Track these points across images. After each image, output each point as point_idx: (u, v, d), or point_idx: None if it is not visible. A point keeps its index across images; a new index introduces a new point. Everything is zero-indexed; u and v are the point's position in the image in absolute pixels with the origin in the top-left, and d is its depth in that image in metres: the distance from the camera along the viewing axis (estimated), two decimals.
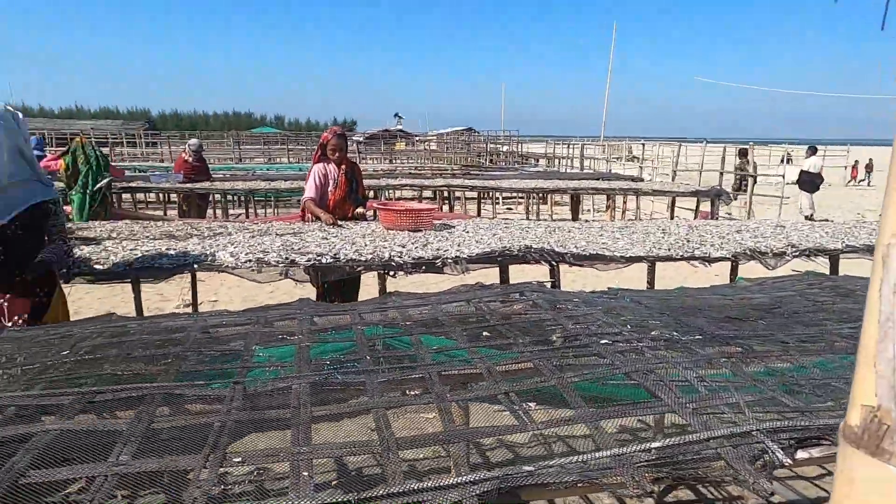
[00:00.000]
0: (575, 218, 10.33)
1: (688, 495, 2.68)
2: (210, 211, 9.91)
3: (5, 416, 1.30)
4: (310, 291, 4.51)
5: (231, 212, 11.27)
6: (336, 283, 3.97)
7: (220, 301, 6.17)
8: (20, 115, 2.57)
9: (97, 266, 2.93)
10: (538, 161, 24.66)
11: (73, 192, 6.11)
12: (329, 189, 4.33)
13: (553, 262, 3.46)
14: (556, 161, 22.90)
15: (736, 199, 9.97)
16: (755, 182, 12.36)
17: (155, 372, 1.57)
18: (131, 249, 3.24)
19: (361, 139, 32.05)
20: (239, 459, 1.15)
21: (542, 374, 1.54)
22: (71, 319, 2.72)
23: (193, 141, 9.31)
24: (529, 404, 1.37)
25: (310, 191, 4.29)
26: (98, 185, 5.98)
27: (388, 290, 4.34)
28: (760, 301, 2.42)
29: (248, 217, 10.14)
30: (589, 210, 14.58)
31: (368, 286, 4.54)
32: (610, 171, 18.64)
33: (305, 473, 1.10)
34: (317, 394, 1.46)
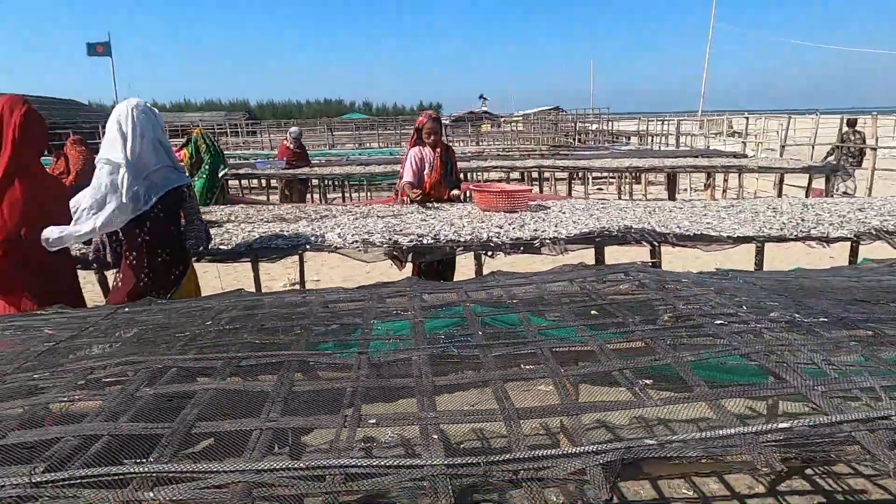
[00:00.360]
0: (671, 197, 9.90)
1: (803, 485, 2.57)
2: (308, 195, 10.41)
3: (170, 376, 1.48)
4: (405, 272, 4.66)
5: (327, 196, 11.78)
6: (431, 263, 4.08)
7: (321, 280, 6.51)
8: (156, 109, 2.85)
9: (222, 247, 3.20)
10: (629, 139, 23.77)
11: (196, 179, 6.65)
12: (425, 172, 4.43)
13: (655, 243, 3.37)
14: (650, 139, 21.95)
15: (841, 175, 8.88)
16: (863, 155, 11.27)
17: (287, 341, 1.72)
18: (249, 231, 3.51)
19: (447, 122, 32.26)
20: (374, 421, 1.25)
21: (656, 352, 1.54)
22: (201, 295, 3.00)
23: (294, 129, 9.79)
24: (646, 381, 1.38)
25: (407, 175, 4.42)
26: (223, 173, 6.48)
27: (483, 271, 4.41)
28: (892, 283, 2.25)
29: (343, 201, 10.56)
30: (686, 189, 13.91)
31: (461, 267, 4.63)
32: (708, 147, 17.64)
33: (435, 436, 1.18)
34: (434, 365, 1.54)
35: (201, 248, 2.93)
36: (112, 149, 2.57)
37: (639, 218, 3.78)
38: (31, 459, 1.11)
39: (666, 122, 21.85)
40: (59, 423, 1.29)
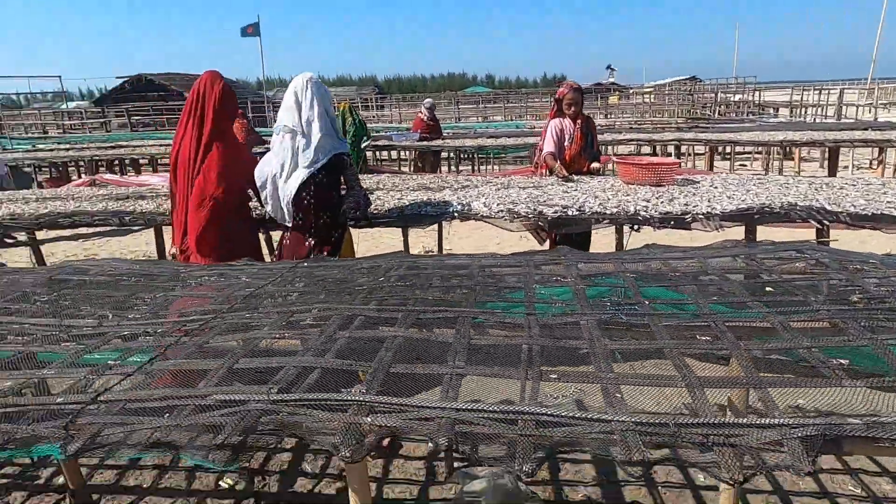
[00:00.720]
0: (832, 174, 8.93)
1: None
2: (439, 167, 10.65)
3: (359, 322, 1.64)
4: (533, 244, 4.65)
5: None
6: (568, 235, 4.05)
7: (453, 249, 6.69)
8: (324, 84, 3.07)
9: (374, 212, 3.41)
10: (777, 111, 21.59)
11: None
12: (565, 144, 4.38)
13: (825, 222, 3.09)
14: (803, 110, 19.80)
15: None
16: None
17: (456, 299, 1.82)
18: (398, 199, 3.69)
19: None
20: (555, 377, 1.31)
21: (848, 333, 1.45)
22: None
23: (428, 101, 10.04)
24: (842, 362, 1.31)
25: (548, 145, 4.39)
26: (366, 144, 6.86)
27: (623, 246, 4.31)
28: None
29: (473, 172, 10.70)
30: (846, 167, 12.45)
31: (595, 242, 4.54)
32: (875, 119, 15.58)
33: (618, 395, 1.22)
34: (602, 330, 1.56)
35: (358, 213, 3.13)
36: (289, 116, 2.82)
37: (803, 195, 3.47)
38: (259, 382, 1.30)
39: (826, 92, 19.53)
40: (268, 356, 1.48)
